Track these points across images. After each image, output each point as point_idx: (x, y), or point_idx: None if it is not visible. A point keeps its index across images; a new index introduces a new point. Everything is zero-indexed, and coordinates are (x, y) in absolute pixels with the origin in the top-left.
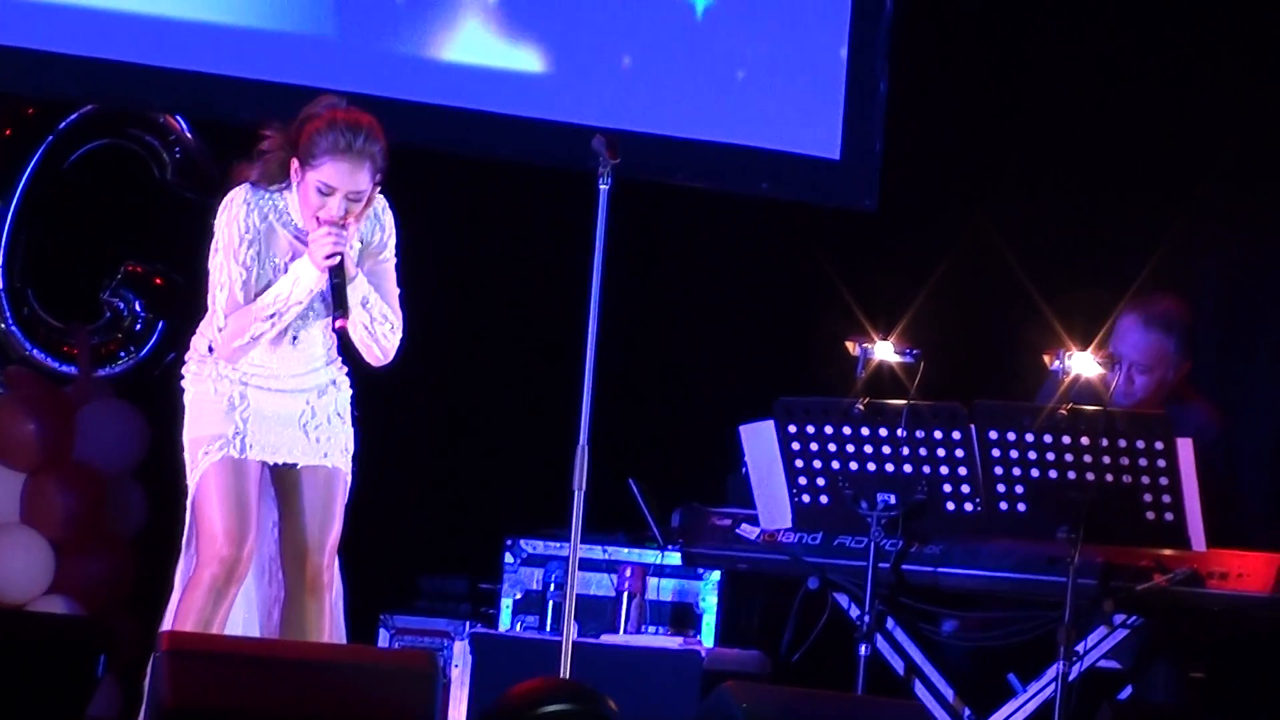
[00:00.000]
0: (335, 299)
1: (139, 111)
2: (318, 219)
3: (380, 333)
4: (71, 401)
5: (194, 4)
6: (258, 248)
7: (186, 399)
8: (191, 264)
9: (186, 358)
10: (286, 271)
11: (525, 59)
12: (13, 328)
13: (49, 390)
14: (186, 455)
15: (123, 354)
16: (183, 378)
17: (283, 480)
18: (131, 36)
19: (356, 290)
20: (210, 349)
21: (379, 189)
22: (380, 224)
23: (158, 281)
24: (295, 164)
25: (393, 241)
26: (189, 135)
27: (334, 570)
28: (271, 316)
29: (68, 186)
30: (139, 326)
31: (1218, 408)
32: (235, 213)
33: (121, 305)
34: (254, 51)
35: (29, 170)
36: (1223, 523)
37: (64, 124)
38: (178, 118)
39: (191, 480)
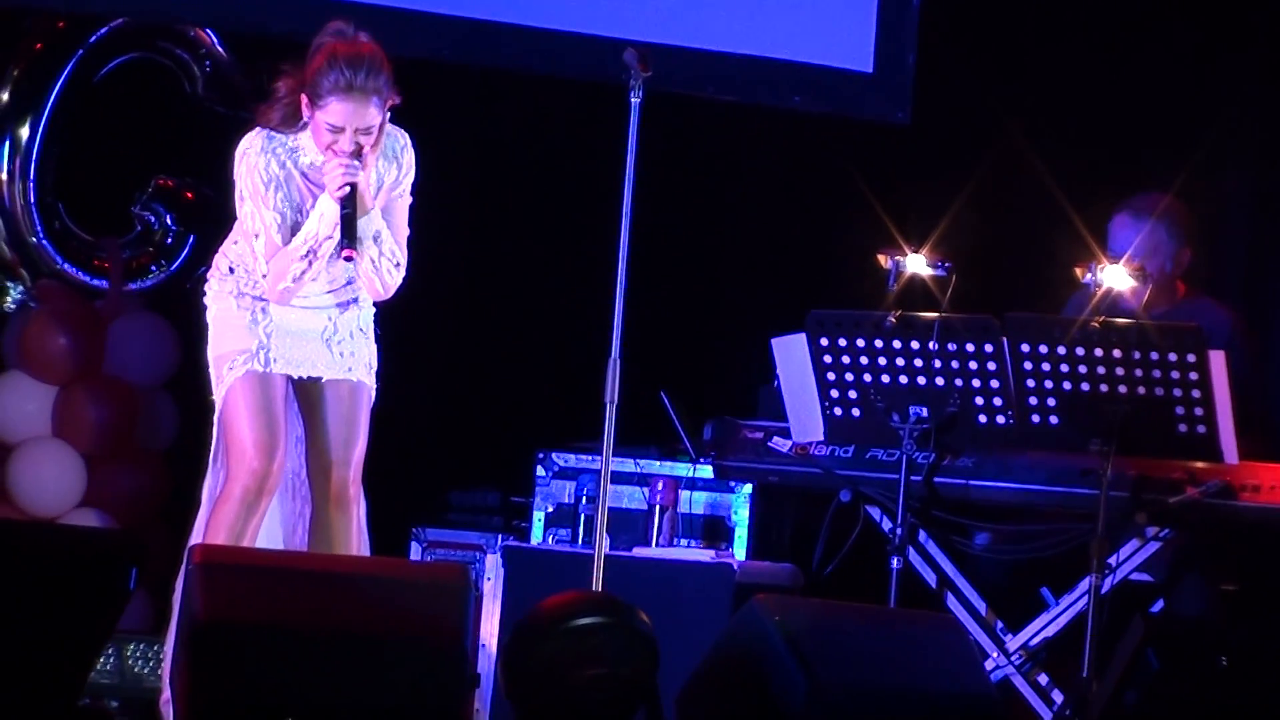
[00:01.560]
0: (344, 229)
1: (169, 25)
2: (332, 152)
3: (385, 268)
4: (102, 315)
5: None
6: (284, 190)
7: (209, 316)
8: (222, 178)
9: (208, 275)
10: (306, 212)
11: None
12: (44, 241)
13: (80, 304)
14: (211, 372)
15: (153, 268)
16: (204, 295)
17: (306, 395)
18: None
19: (370, 223)
20: (231, 269)
21: (404, 122)
22: (399, 162)
23: (188, 195)
24: (305, 101)
25: (409, 179)
26: (219, 49)
27: (359, 485)
28: (308, 255)
29: (98, 100)
30: (169, 240)
31: (1232, 308)
32: (254, 162)
33: (152, 219)
34: None
35: (59, 84)
36: (1243, 423)
37: (94, 38)
38: (208, 31)
39: (218, 396)
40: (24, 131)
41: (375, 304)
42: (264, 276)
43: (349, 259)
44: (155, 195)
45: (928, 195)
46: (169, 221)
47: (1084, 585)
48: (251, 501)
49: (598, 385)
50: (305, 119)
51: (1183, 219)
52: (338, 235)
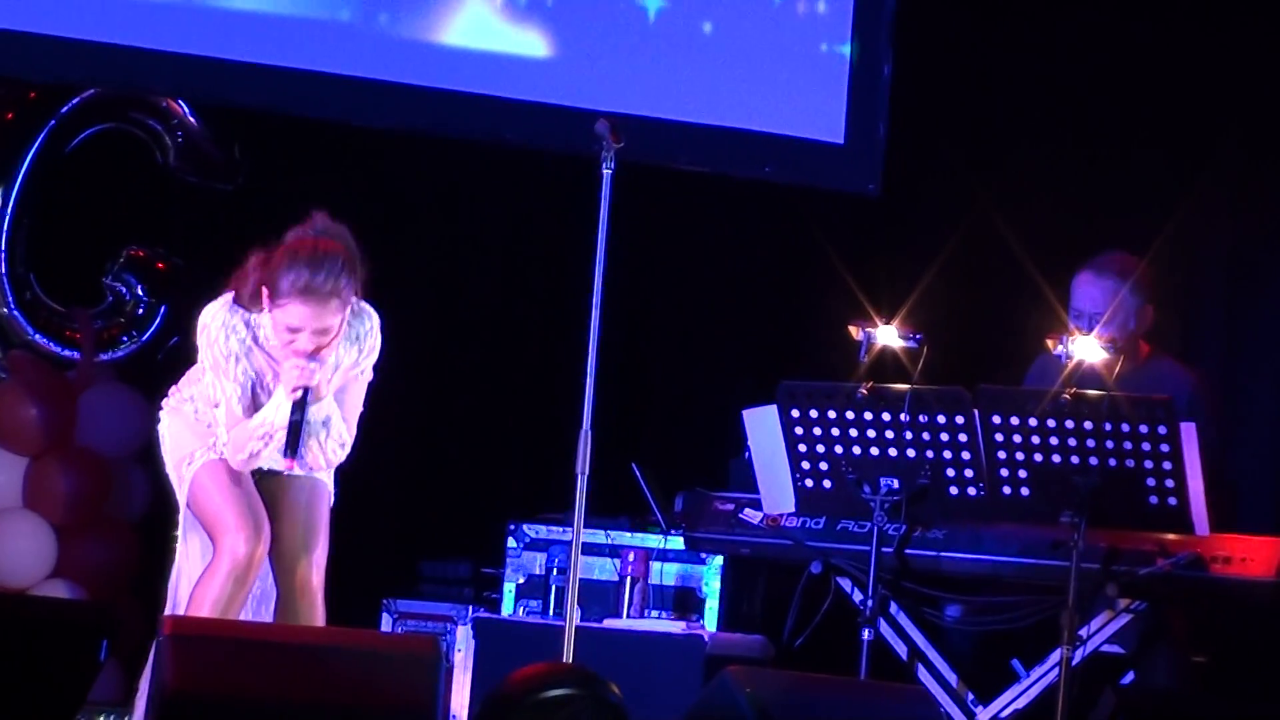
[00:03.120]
0: (289, 438)
1: (141, 96)
2: (290, 350)
3: (330, 448)
4: (74, 386)
5: None
6: (244, 363)
7: (162, 429)
8: (193, 248)
9: (169, 392)
10: (266, 385)
11: (528, 43)
12: (15, 312)
13: (51, 375)
14: (172, 477)
15: (125, 338)
16: (160, 410)
17: (268, 487)
18: (134, 20)
19: (321, 410)
20: (191, 399)
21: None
22: (360, 346)
23: (160, 266)
24: (265, 293)
25: (370, 360)
26: (191, 119)
27: (322, 576)
28: (264, 437)
29: (70, 171)
30: (141, 311)
31: (1195, 369)
32: (214, 337)
33: (124, 289)
34: (257, 36)
35: (31, 154)
36: (1208, 486)
37: (66, 108)
38: (180, 102)
39: (182, 495)
40: None
41: None
42: (223, 445)
43: (290, 468)
44: (127, 266)
45: (899, 267)
46: (140, 292)
47: (1055, 657)
48: (240, 577)
49: (569, 456)
50: (266, 308)
51: (1145, 276)
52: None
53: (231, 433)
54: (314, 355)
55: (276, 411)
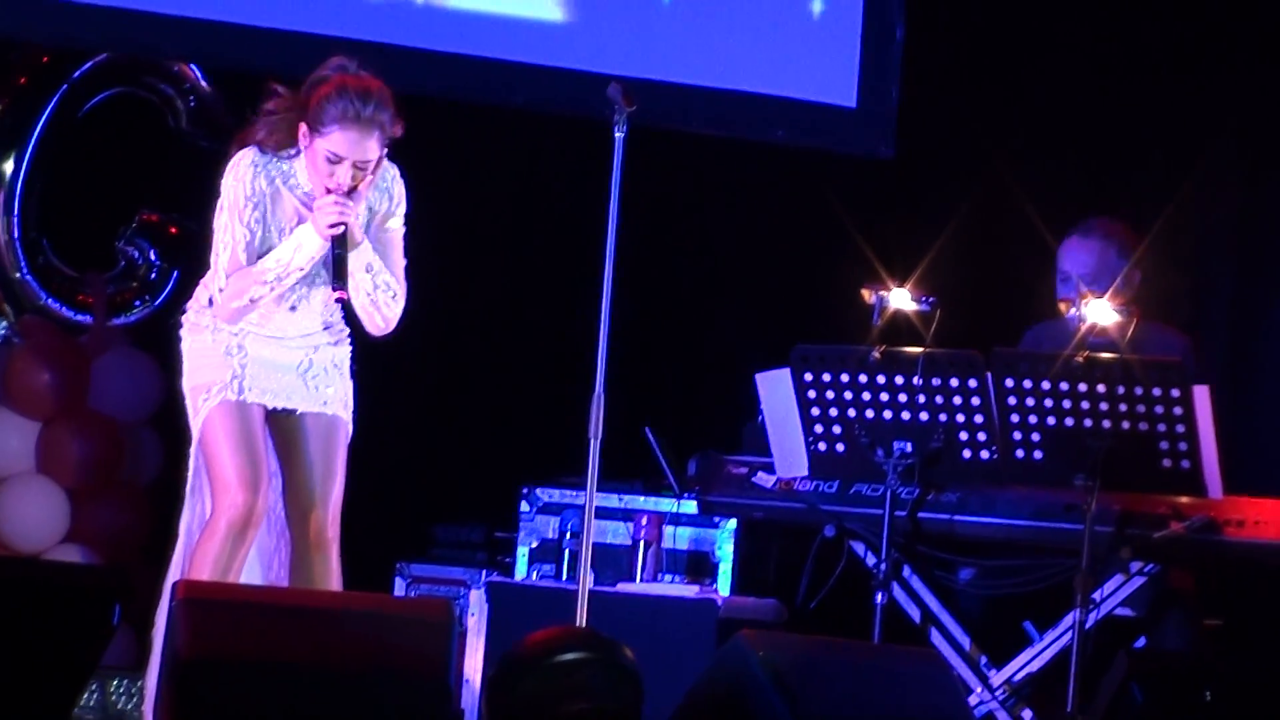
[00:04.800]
0: (335, 270)
1: (153, 60)
2: (326, 186)
3: (382, 300)
4: (86, 350)
5: None
6: (263, 210)
7: (184, 347)
8: (206, 213)
9: (186, 306)
10: (283, 235)
11: (541, 7)
12: (28, 277)
13: (64, 339)
14: (188, 402)
15: (137, 303)
16: (181, 326)
17: (282, 429)
18: None
19: (361, 257)
20: (210, 301)
21: (390, 156)
22: (390, 193)
23: (172, 230)
24: (304, 129)
25: (402, 210)
26: (203, 84)
27: (337, 527)
28: (271, 280)
29: (82, 135)
30: (154, 275)
31: (1184, 333)
32: (242, 174)
33: (136, 254)
34: (269, 1)
35: (44, 119)
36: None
37: (78, 73)
38: (192, 66)
39: (195, 426)
40: (7, 166)
41: (375, 337)
42: (219, 290)
43: (340, 301)
44: (139, 230)
45: (911, 230)
46: (153, 257)
47: (1068, 620)
48: (237, 535)
49: (582, 420)
50: (302, 147)
51: (1131, 240)
52: (307, 268)
53: (232, 278)
54: (351, 193)
55: (296, 251)
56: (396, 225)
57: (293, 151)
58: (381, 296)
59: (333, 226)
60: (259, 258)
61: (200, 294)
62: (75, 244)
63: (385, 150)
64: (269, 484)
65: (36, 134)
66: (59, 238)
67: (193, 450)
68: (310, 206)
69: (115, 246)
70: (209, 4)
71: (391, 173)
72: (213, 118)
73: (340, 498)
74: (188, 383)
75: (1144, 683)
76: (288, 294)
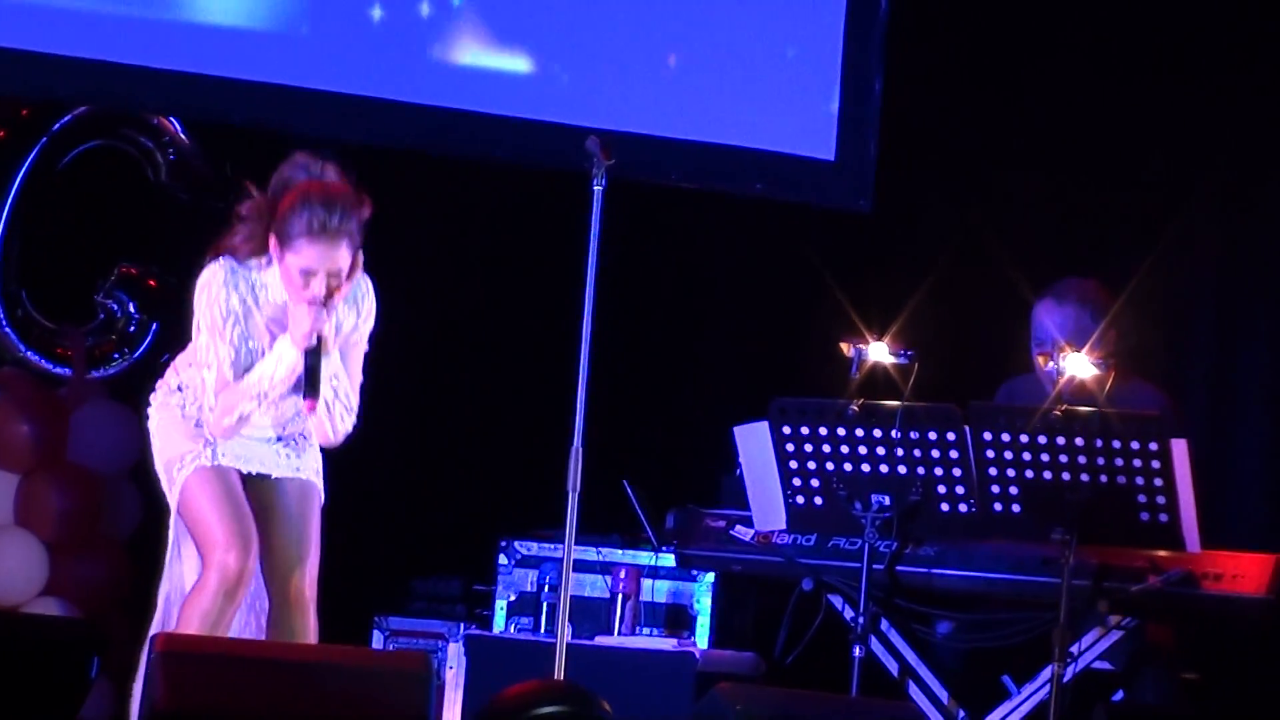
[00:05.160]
0: (308, 379)
1: (133, 113)
2: (301, 298)
3: (338, 413)
4: (65, 403)
5: (188, 5)
6: (241, 326)
7: (151, 425)
8: (185, 266)
9: (156, 386)
10: (262, 350)
11: (519, 60)
12: (6, 329)
13: (43, 392)
14: (162, 477)
15: (116, 355)
16: (148, 405)
17: (258, 492)
18: (125, 38)
19: (329, 366)
20: (180, 388)
21: (363, 267)
22: (359, 308)
23: (151, 283)
24: (273, 241)
25: (368, 326)
26: (183, 136)
27: (314, 587)
28: (259, 396)
29: (62, 188)
30: (133, 328)
31: (1163, 390)
32: (215, 294)
33: (115, 307)
34: (247, 53)
35: (23, 171)
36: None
37: (58, 125)
38: (172, 119)
39: (173, 498)
40: None
41: (323, 446)
42: (210, 409)
43: (311, 410)
44: (118, 283)
45: (890, 283)
46: (132, 309)
47: (1046, 674)
48: (229, 593)
49: (560, 473)
50: (274, 259)
51: (1105, 300)
52: (291, 380)
53: (220, 396)
54: (324, 304)
55: (277, 364)
56: (360, 340)
57: (265, 260)
58: (338, 409)
59: (307, 336)
60: (244, 373)
61: (170, 378)
62: (54, 296)
63: (358, 252)
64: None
65: (15, 186)
66: (38, 290)
67: (172, 519)
68: (284, 317)
69: (94, 299)
70: (189, 57)
71: (364, 288)
72: (192, 170)
73: (317, 557)
74: (160, 458)
75: None
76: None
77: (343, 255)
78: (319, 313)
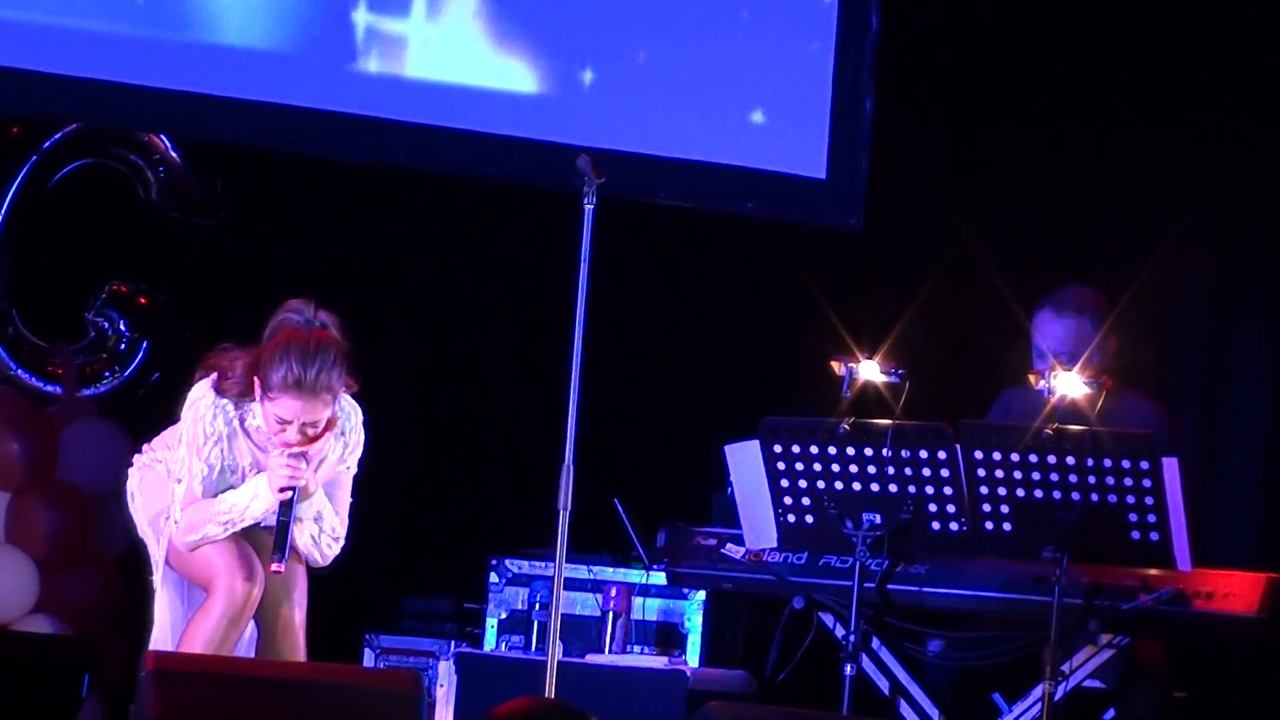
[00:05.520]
0: (277, 539)
1: (123, 131)
2: (280, 441)
3: (324, 543)
4: (56, 421)
5: (179, 24)
6: (221, 448)
7: (132, 485)
8: (175, 283)
9: (134, 460)
10: (241, 471)
11: (510, 78)
12: None
13: (33, 410)
14: (149, 538)
15: (107, 374)
16: (130, 471)
17: (246, 529)
18: (116, 56)
19: (312, 505)
20: (160, 461)
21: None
22: (345, 439)
23: (142, 301)
24: (257, 382)
25: (356, 455)
26: (173, 155)
27: (303, 613)
28: (226, 524)
29: (52, 206)
30: (123, 346)
31: (1159, 402)
32: (201, 413)
33: (106, 325)
34: (239, 71)
35: (13, 189)
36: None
37: (48, 143)
38: (162, 137)
39: (160, 551)
40: None
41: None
42: (174, 521)
43: (276, 572)
44: (109, 301)
45: (880, 302)
46: (122, 328)
47: (1037, 692)
48: (235, 618)
49: (551, 492)
50: (256, 398)
51: (1105, 308)
52: (262, 519)
53: (187, 511)
54: (303, 455)
55: (251, 501)
56: (349, 467)
57: (252, 397)
58: (324, 539)
59: (283, 490)
60: (216, 493)
61: (150, 453)
62: (45, 314)
63: (335, 406)
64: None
65: (6, 204)
66: (29, 308)
67: (157, 576)
68: (263, 447)
69: (85, 317)
70: (179, 75)
71: (354, 419)
72: (182, 188)
73: (305, 588)
74: (145, 515)
75: None
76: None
77: (320, 407)
78: (297, 466)
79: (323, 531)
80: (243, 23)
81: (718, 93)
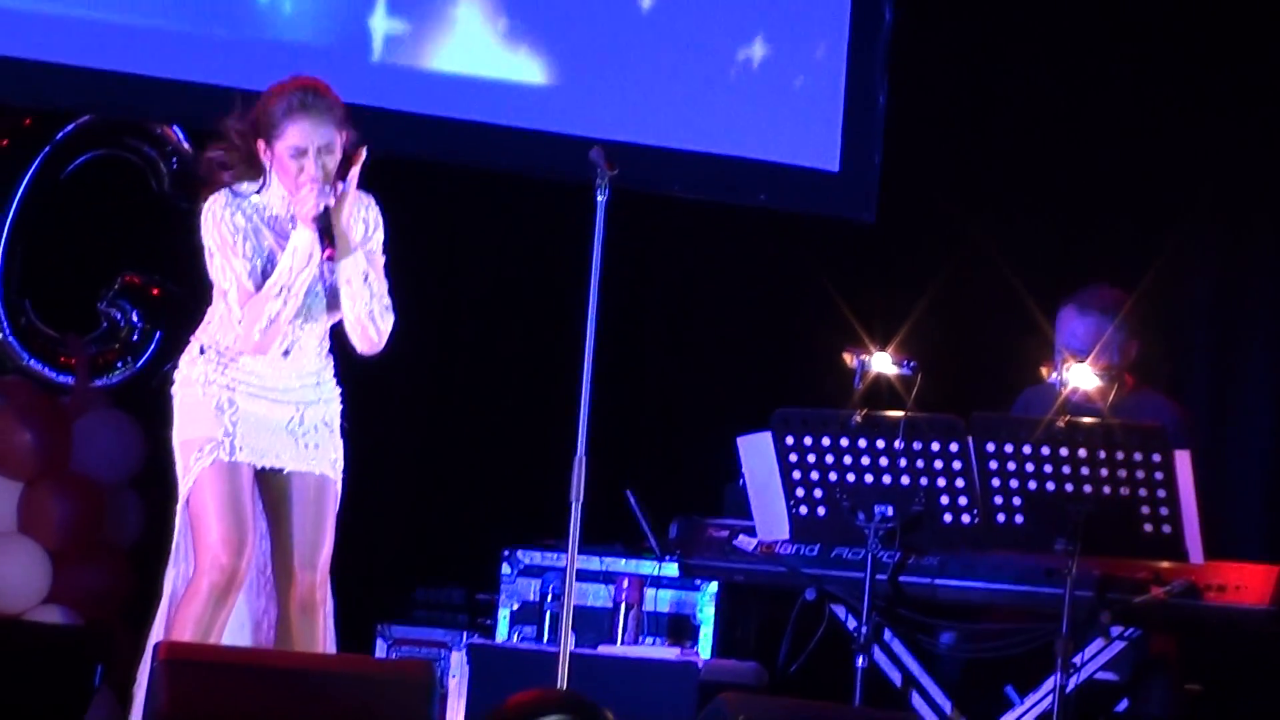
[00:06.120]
0: (323, 236)
1: (136, 122)
2: (299, 183)
3: (378, 310)
4: (68, 411)
5: (192, 15)
6: (251, 241)
7: (176, 400)
8: (188, 275)
9: (180, 360)
10: (275, 261)
11: (523, 70)
12: (10, 338)
13: (46, 400)
14: (178, 458)
15: (120, 364)
16: (172, 382)
17: (271, 487)
18: (129, 47)
19: (357, 265)
20: (202, 349)
21: (384, 214)
22: (366, 221)
23: (155, 292)
24: (262, 146)
25: (379, 236)
26: (186, 146)
27: (327, 588)
28: (282, 291)
29: (65, 197)
30: (136, 337)
31: (1178, 402)
32: (219, 216)
33: (118, 316)
34: (253, 63)
35: (26, 181)
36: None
37: (61, 134)
38: (175, 128)
39: (184, 485)
40: None
41: (364, 355)
42: (238, 324)
43: (330, 259)
44: (122, 292)
45: (893, 294)
46: (135, 318)
47: (1049, 684)
48: (220, 597)
49: (564, 483)
50: (266, 164)
51: (1129, 310)
52: (310, 268)
53: (246, 308)
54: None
55: (293, 256)
56: (376, 249)
57: (258, 184)
58: (377, 307)
59: (313, 210)
60: (263, 281)
61: (192, 345)
62: (57, 305)
63: (343, 137)
64: (256, 546)
65: (19, 196)
66: (41, 299)
67: (179, 509)
68: (286, 233)
69: (97, 308)
70: (191, 66)
71: (366, 201)
72: (195, 180)
73: (329, 560)
74: (178, 437)
75: None
76: (283, 338)
77: (329, 130)
78: (322, 186)
79: (374, 295)
80: (257, 15)
81: (731, 85)
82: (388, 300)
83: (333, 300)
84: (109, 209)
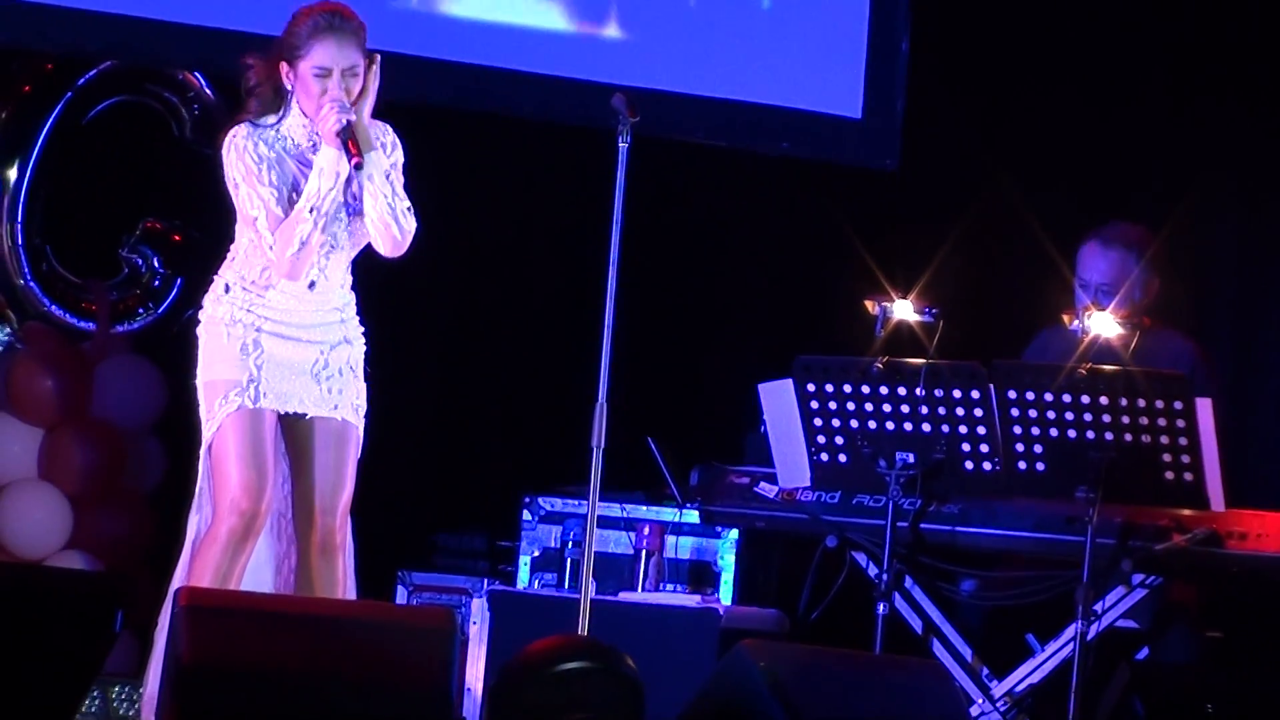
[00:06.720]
0: (346, 143)
1: (158, 68)
2: (322, 104)
3: (400, 209)
4: (89, 357)
5: None
6: (275, 170)
7: (201, 339)
8: (210, 221)
9: (204, 299)
10: (300, 189)
11: (546, 16)
12: (31, 284)
13: (67, 346)
14: (201, 398)
15: (141, 310)
16: (198, 322)
17: (293, 432)
18: None
19: (380, 161)
20: (227, 288)
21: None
22: (384, 145)
23: (176, 238)
24: (284, 69)
25: (399, 155)
26: (208, 92)
27: (346, 531)
28: (312, 212)
29: (86, 143)
30: (157, 283)
31: (1195, 340)
32: (241, 146)
33: (140, 262)
34: (275, 9)
35: (48, 126)
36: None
37: (83, 80)
38: (196, 74)
39: (207, 428)
40: (12, 174)
41: (388, 258)
42: (270, 249)
43: (358, 166)
44: (143, 238)
45: (915, 241)
46: (156, 264)
47: (1069, 632)
48: (238, 543)
49: (585, 430)
50: (289, 86)
51: (1152, 248)
52: (337, 187)
53: (277, 233)
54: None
55: (320, 177)
56: (396, 171)
57: (279, 115)
58: (399, 205)
59: (337, 125)
60: (290, 207)
61: (217, 282)
62: (79, 251)
63: (366, 60)
64: (275, 491)
65: (40, 141)
66: (63, 245)
67: (201, 454)
68: (309, 161)
69: (119, 254)
70: (214, 11)
71: (382, 126)
72: (217, 126)
73: (349, 505)
74: (202, 377)
75: (1145, 695)
76: (307, 270)
77: (353, 52)
78: (344, 104)
79: (395, 194)
80: None
81: (753, 32)
82: (409, 204)
83: (355, 230)
84: (131, 155)
